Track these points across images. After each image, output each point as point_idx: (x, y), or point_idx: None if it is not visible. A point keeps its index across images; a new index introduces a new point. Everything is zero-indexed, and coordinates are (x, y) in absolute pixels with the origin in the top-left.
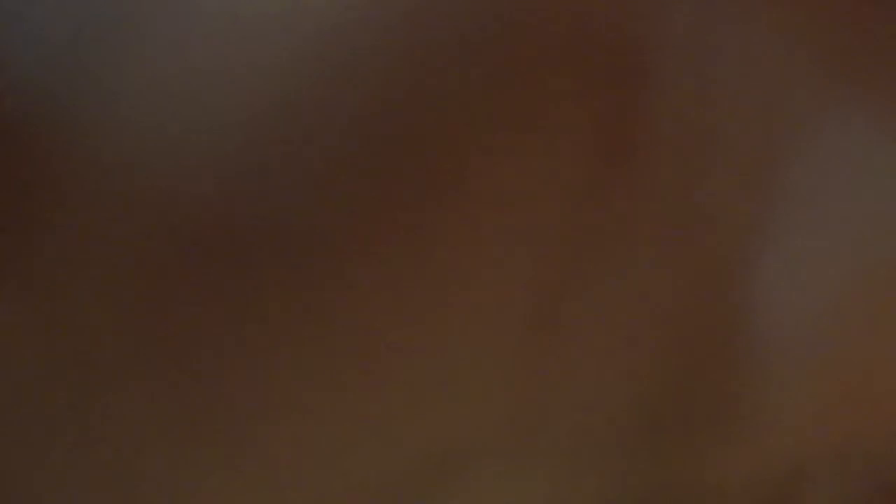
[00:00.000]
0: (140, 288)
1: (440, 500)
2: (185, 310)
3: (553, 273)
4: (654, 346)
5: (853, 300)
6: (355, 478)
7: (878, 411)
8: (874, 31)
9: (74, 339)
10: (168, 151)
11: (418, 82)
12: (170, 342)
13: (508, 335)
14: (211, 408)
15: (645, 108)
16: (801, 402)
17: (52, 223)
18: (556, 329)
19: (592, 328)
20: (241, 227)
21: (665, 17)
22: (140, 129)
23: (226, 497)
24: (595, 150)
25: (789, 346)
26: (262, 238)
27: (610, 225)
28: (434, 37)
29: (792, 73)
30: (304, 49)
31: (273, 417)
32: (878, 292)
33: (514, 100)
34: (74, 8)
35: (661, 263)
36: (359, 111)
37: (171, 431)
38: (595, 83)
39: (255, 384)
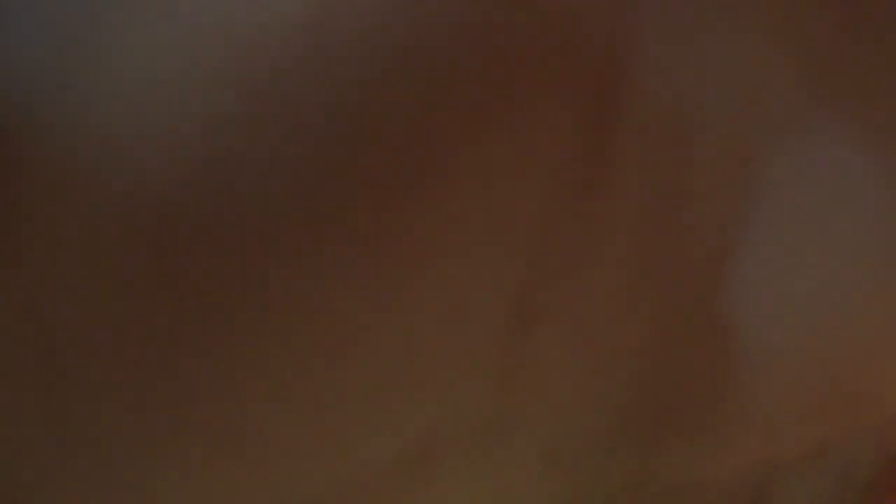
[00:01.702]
0: (122, 286)
1: (412, 499)
2: (164, 308)
3: (531, 271)
4: (632, 345)
5: (832, 303)
6: (328, 477)
7: (855, 411)
8: (855, 38)
9: (52, 337)
10: (154, 148)
11: (399, 81)
12: (150, 340)
13: (484, 333)
14: (191, 407)
15: (626, 109)
16: (778, 401)
17: (32, 221)
18: (532, 327)
19: (569, 327)
20: (222, 223)
21: (648, 20)
22: (126, 124)
23: (206, 498)
24: (575, 149)
25: (767, 346)
26: (244, 234)
27: (590, 224)
28: (417, 37)
29: (773, 78)
30: (288, 47)
31: (249, 416)
32: (857, 295)
33: (494, 98)
34: (56, 6)
35: (640, 262)
36: (340, 109)
37: (151, 431)
38: (577, 84)
39: (234, 383)
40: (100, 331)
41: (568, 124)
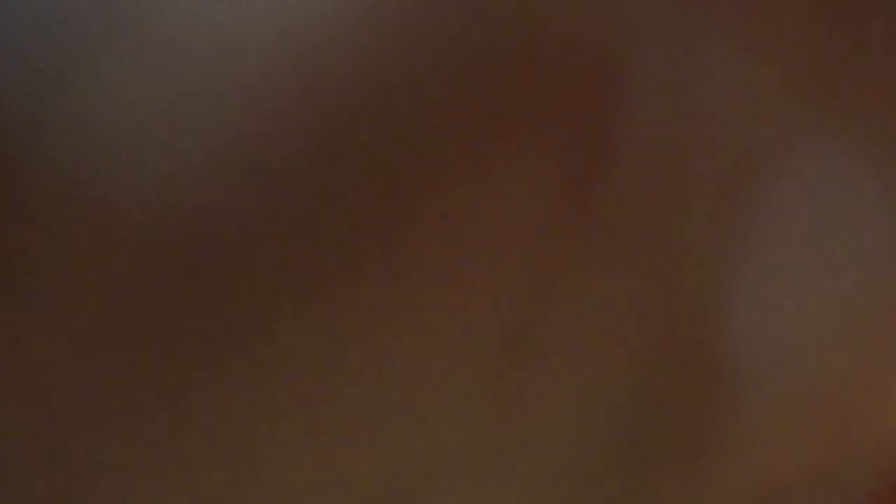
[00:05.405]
0: (122, 304)
1: None
2: (162, 329)
3: (527, 297)
4: (627, 372)
5: (827, 326)
6: (323, 499)
7: (851, 437)
8: (855, 51)
9: (49, 357)
10: (155, 162)
11: (394, 104)
12: (150, 361)
13: (479, 359)
14: (185, 429)
15: (621, 130)
16: (773, 428)
17: (32, 239)
18: (527, 355)
19: (565, 354)
20: (221, 242)
21: (642, 37)
22: (130, 138)
23: None
24: (572, 171)
25: (763, 373)
26: (243, 255)
27: (585, 249)
28: (412, 60)
29: (768, 93)
30: (285, 72)
31: (239, 443)
32: (852, 317)
33: (490, 119)
34: (60, 20)
35: (635, 289)
36: (336, 134)
37: (152, 456)
38: (571, 103)
39: (226, 407)
40: (103, 349)
41: (567, 146)
